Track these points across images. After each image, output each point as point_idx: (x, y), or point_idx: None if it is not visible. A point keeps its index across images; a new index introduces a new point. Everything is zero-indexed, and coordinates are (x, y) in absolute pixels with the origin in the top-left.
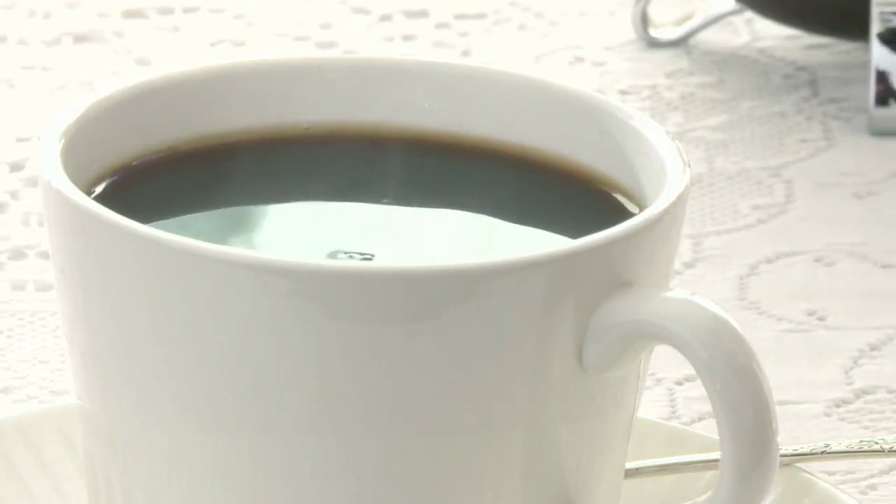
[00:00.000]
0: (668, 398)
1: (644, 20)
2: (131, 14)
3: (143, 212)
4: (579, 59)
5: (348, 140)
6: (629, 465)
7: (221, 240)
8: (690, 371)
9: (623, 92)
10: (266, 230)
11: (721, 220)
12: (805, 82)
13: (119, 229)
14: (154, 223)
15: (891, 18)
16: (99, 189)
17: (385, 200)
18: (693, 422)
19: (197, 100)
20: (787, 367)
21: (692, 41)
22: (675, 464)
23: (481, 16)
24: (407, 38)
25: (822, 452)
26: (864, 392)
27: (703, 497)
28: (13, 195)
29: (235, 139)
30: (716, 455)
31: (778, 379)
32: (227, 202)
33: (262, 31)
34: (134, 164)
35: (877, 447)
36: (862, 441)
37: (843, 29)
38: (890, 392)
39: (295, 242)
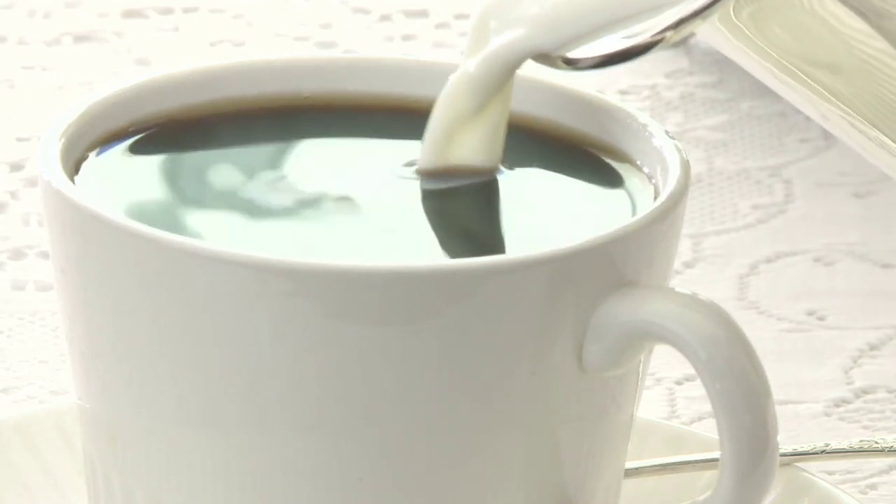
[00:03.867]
0: (668, 398)
1: None
2: (131, 14)
3: (131, 188)
4: None
5: (345, 110)
6: (629, 465)
7: (217, 224)
8: (690, 371)
9: (623, 92)
10: (263, 218)
11: (721, 220)
12: None
13: (119, 229)
14: (142, 201)
15: None
16: (92, 155)
17: (385, 188)
18: (693, 422)
19: (196, 99)
20: (787, 367)
21: (692, 41)
22: (675, 463)
23: None
24: (407, 38)
25: (822, 452)
26: (864, 392)
27: (703, 497)
28: (13, 195)
29: (235, 108)
30: (716, 455)
31: (778, 379)
32: (223, 181)
33: (262, 31)
34: (131, 130)
35: (877, 447)
36: (862, 441)
37: None
38: (890, 392)
39: (295, 234)
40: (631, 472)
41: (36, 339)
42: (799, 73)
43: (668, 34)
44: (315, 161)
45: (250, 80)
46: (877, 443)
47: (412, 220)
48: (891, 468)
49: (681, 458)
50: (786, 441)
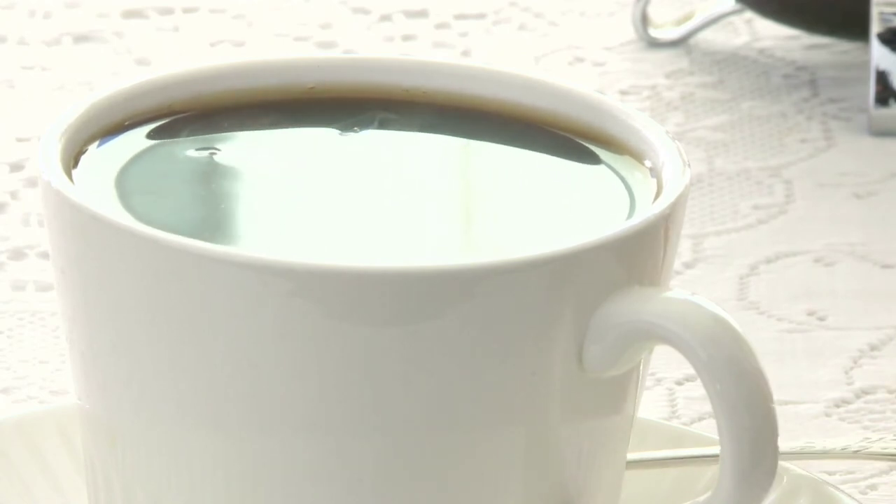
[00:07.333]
0: (668, 398)
1: (644, 20)
2: (131, 14)
3: (131, 183)
4: (579, 59)
5: (349, 103)
6: (630, 456)
7: (216, 221)
8: (690, 371)
9: (623, 92)
10: (265, 219)
11: (721, 220)
12: (805, 82)
13: (119, 229)
14: (143, 195)
15: (891, 18)
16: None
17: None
18: (693, 422)
19: (194, 92)
20: (787, 367)
21: (692, 41)
22: (676, 457)
23: (481, 16)
24: (407, 38)
25: (822, 452)
26: (864, 392)
27: (703, 497)
28: (13, 195)
29: (234, 100)
30: (717, 450)
31: (778, 379)
32: (224, 178)
33: (262, 31)
34: (129, 123)
35: (877, 447)
36: (862, 441)
37: (843, 29)
38: (890, 392)
39: (295, 233)
40: (631, 464)
41: (36, 339)
42: None
43: None
44: (317, 158)
45: (250, 81)
46: (877, 443)
47: (412, 219)
48: (891, 468)
49: (682, 451)
50: (786, 441)
